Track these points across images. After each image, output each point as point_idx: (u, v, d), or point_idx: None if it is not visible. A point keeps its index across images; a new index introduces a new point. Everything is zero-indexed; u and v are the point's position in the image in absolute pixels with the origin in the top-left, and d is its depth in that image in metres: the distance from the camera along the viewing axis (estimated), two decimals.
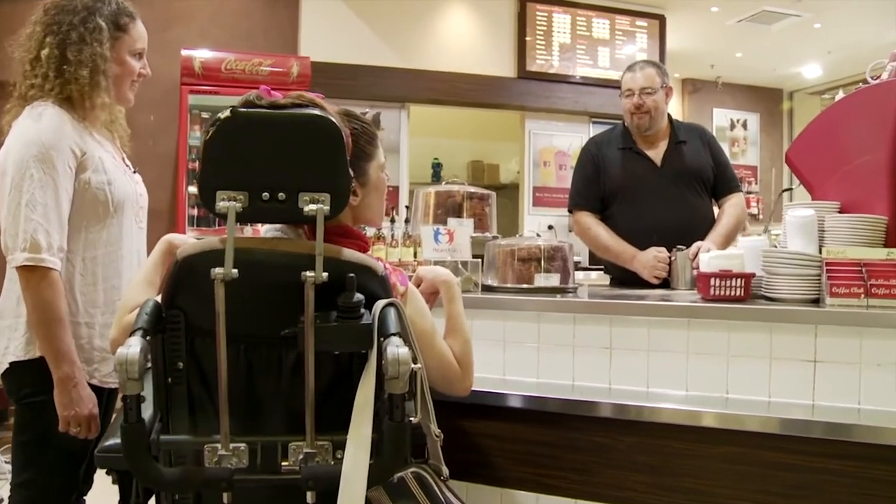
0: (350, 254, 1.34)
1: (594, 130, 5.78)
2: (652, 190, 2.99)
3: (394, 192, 5.57)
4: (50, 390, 1.83)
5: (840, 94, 2.46)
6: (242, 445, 1.30)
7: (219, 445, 1.29)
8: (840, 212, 2.26)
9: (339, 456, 1.28)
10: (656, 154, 3.05)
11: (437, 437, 1.48)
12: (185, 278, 1.32)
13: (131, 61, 2.04)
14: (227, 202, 1.25)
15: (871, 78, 2.36)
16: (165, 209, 5.16)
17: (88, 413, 1.86)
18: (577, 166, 3.21)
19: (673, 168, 3.02)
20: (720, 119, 8.57)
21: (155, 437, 1.33)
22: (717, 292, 2.12)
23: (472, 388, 1.69)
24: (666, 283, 2.84)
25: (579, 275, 5.17)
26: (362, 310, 1.26)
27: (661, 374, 2.02)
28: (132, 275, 1.95)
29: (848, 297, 1.97)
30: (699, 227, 2.96)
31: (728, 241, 2.94)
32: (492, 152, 7.74)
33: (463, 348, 1.62)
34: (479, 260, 2.50)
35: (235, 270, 1.22)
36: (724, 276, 2.11)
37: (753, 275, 2.15)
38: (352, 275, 1.24)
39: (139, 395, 1.18)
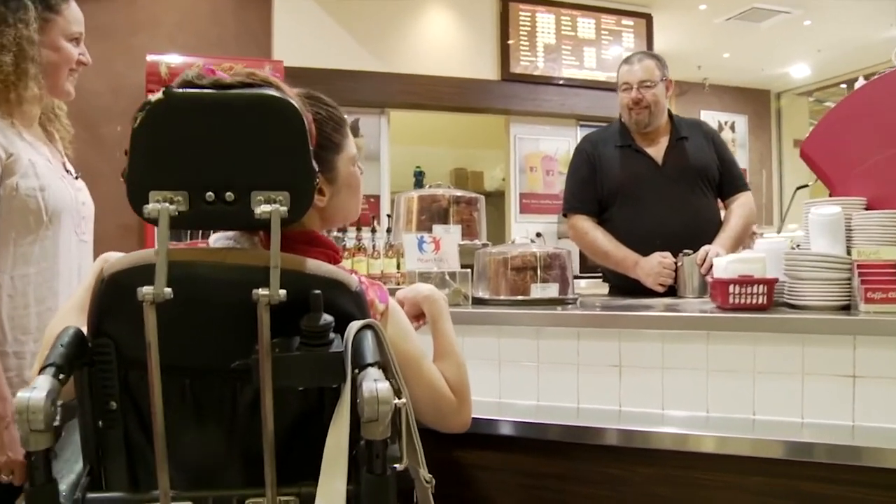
0: (316, 266, 1.10)
1: (581, 133, 5.57)
2: (653, 190, 2.78)
3: (375, 202, 5.33)
4: None
5: (860, 82, 2.25)
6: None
7: None
8: (866, 209, 2.05)
9: None
10: (657, 152, 2.83)
11: (427, 482, 1.23)
12: (113, 300, 1.07)
13: (68, 47, 1.78)
14: (160, 205, 1.00)
15: None
16: (135, 224, 4.88)
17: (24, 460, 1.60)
18: (572, 167, 2.99)
19: (675, 166, 2.80)
20: (708, 121, 8.36)
21: (79, 496, 1.08)
22: (737, 300, 1.90)
23: None
24: (671, 291, 2.62)
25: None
26: (332, 334, 1.02)
27: (678, 394, 1.80)
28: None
29: (885, 304, 1.76)
30: (705, 230, 2.75)
31: (737, 243, 2.73)
32: (475, 159, 7.53)
33: (457, 374, 1.38)
34: (469, 270, 2.27)
35: (169, 289, 0.97)
36: (745, 282, 1.89)
37: (777, 280, 1.93)
38: (317, 291, 1.00)
39: (48, 450, 0.93)
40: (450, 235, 2.32)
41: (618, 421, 1.80)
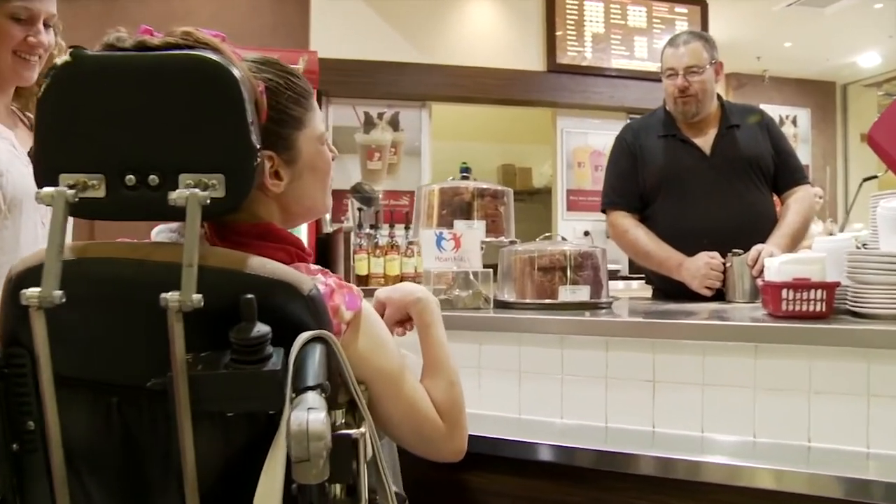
0: (260, 264, 0.91)
1: None
2: (701, 184, 2.53)
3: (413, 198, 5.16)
4: None
5: None
6: None
7: None
8: None
9: None
10: (705, 142, 2.58)
11: None
12: (21, 304, 0.90)
13: (7, 26, 1.64)
14: (55, 189, 0.83)
15: None
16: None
17: None
18: (611, 159, 2.76)
19: (725, 157, 2.54)
20: None
21: None
22: (792, 307, 1.66)
23: (475, 433, 1.27)
24: (719, 295, 2.37)
25: (618, 285, 4.74)
26: (270, 348, 0.83)
27: (721, 416, 1.57)
28: None
29: None
30: (758, 227, 2.49)
31: (795, 242, 2.46)
32: (523, 155, 7.32)
33: (448, 393, 1.17)
34: (491, 270, 2.07)
35: (60, 292, 0.80)
36: (801, 286, 1.65)
37: (838, 284, 1.68)
38: (249, 296, 0.81)
39: None
40: (472, 232, 2.12)
41: (651, 444, 1.58)
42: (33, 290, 0.79)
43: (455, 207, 2.21)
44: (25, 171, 1.61)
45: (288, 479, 0.81)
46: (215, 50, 0.90)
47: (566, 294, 1.99)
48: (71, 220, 0.95)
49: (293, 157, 1.07)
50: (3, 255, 1.57)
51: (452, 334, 1.43)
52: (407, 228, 4.55)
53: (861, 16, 6.16)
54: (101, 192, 0.85)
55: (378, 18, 5.20)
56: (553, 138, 5.79)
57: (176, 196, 0.82)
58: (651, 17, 5.73)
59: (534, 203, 6.94)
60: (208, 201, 0.82)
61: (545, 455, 1.59)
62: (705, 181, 2.52)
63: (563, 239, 2.21)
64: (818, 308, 1.64)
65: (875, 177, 3.04)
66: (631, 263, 5.04)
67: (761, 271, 2.23)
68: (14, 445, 0.95)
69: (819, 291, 1.64)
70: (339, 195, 5.16)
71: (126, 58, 0.87)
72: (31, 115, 1.74)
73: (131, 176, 0.86)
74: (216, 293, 0.85)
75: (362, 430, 0.87)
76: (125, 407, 0.93)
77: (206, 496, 0.87)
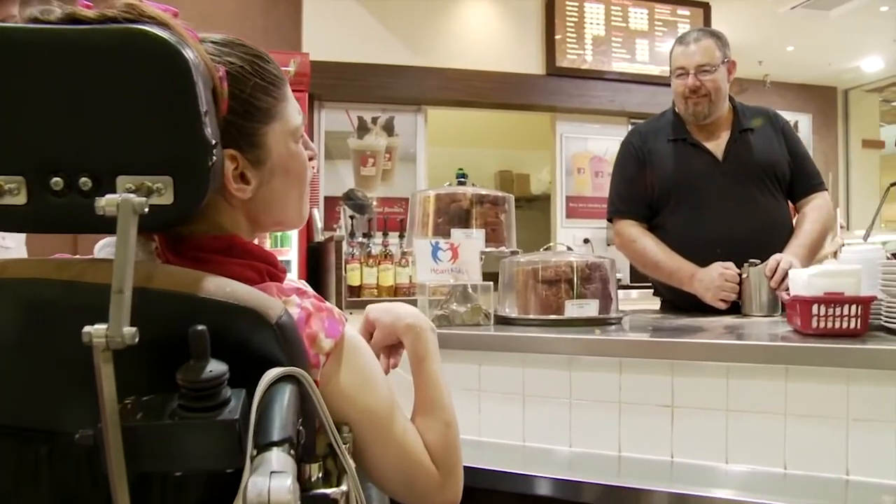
0: (217, 286, 0.75)
1: None
2: (713, 190, 2.37)
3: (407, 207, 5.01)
4: None
5: None
6: None
7: None
8: None
9: None
10: (717, 146, 2.43)
11: None
12: None
13: None
14: None
15: None
16: None
17: None
18: (617, 164, 2.59)
19: (739, 162, 2.39)
20: None
21: None
22: (824, 324, 1.51)
23: (471, 465, 1.11)
24: (734, 308, 2.22)
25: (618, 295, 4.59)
26: (227, 391, 0.67)
27: (747, 445, 1.43)
28: None
29: None
30: (774, 236, 2.34)
31: (813, 252, 2.31)
32: (522, 161, 7.17)
33: (443, 436, 0.99)
34: (492, 283, 1.92)
35: None
36: (834, 300, 1.50)
37: (874, 298, 1.53)
38: (200, 328, 0.66)
39: None
40: (470, 241, 1.97)
41: (669, 476, 1.44)
42: None
43: (452, 215, 2.05)
44: None
45: None
46: (163, 26, 0.74)
47: (573, 309, 1.84)
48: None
49: (261, 156, 0.89)
50: None
51: (449, 354, 1.28)
52: (401, 237, 4.39)
53: (866, 19, 6.02)
54: (20, 199, 0.70)
55: (372, 20, 5.05)
56: (552, 143, 5.64)
57: (104, 203, 0.66)
58: (653, 20, 5.59)
59: (531, 210, 6.79)
60: (147, 209, 0.66)
61: (546, 490, 1.44)
62: (718, 188, 2.37)
63: (569, 249, 2.05)
64: (853, 325, 1.50)
65: None
66: (632, 272, 4.89)
67: (780, 282, 2.09)
68: None
69: (854, 307, 1.49)
70: (331, 202, 5.04)
71: (50, 32, 0.71)
72: None
73: (57, 179, 0.70)
74: (163, 322, 0.70)
75: (343, 487, 0.71)
76: (57, 460, 0.77)
77: None
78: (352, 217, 4.31)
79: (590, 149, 5.62)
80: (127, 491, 0.64)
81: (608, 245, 5.38)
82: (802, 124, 8.07)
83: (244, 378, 0.71)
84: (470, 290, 1.91)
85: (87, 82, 0.70)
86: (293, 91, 0.96)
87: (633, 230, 2.45)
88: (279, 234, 4.06)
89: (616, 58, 5.50)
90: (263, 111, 0.88)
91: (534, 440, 1.61)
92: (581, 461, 1.53)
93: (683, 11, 5.67)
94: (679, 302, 2.39)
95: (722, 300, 2.21)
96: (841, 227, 4.05)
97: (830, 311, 1.50)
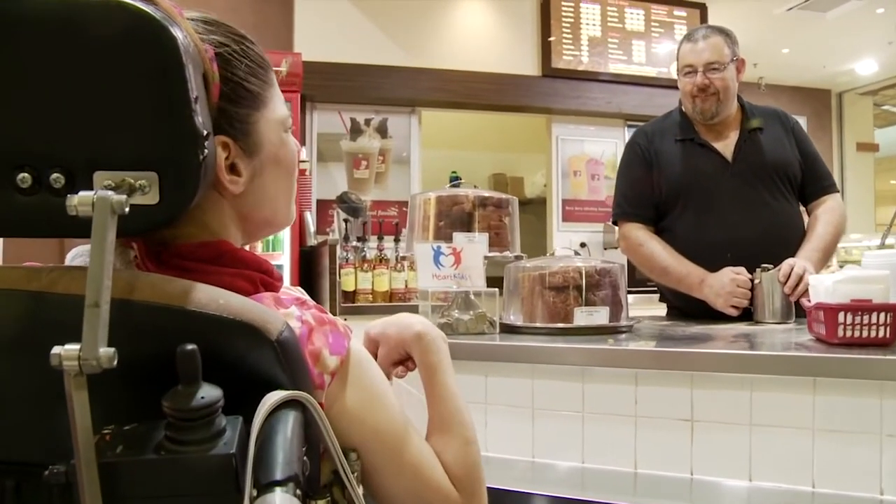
0: (210, 298, 0.66)
1: (629, 134, 5.05)
2: (722, 193, 2.29)
3: (405, 209, 4.90)
4: None
5: None
6: None
7: None
8: None
9: None
10: (726, 147, 2.35)
11: None
12: None
13: None
14: None
15: None
16: None
17: None
18: (623, 165, 2.51)
19: (749, 163, 2.31)
20: None
21: None
22: (851, 333, 1.44)
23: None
24: (746, 315, 2.14)
25: None
26: (222, 420, 0.58)
27: (772, 462, 1.35)
28: None
29: None
30: (786, 240, 2.26)
31: (826, 257, 2.24)
32: (516, 164, 7.08)
33: (463, 456, 0.89)
34: (497, 289, 1.83)
35: None
36: (862, 308, 1.42)
37: None
38: (190, 347, 0.57)
39: None
40: (473, 245, 1.88)
41: (689, 494, 1.36)
42: None
43: (454, 218, 1.96)
44: None
45: None
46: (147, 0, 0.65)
47: (582, 317, 1.76)
48: None
49: (253, 145, 0.80)
50: None
51: (453, 364, 1.19)
52: (396, 241, 4.30)
53: (862, 21, 5.98)
54: None
55: (365, 19, 4.95)
56: (548, 146, 5.56)
57: (77, 202, 0.56)
58: (649, 21, 5.52)
59: (526, 214, 6.67)
60: (127, 209, 0.57)
61: None
62: (727, 190, 2.29)
63: (576, 253, 1.97)
64: (882, 334, 1.42)
65: None
66: (631, 274, 4.80)
67: (794, 288, 2.02)
68: None
69: (883, 315, 1.42)
70: (323, 205, 4.94)
71: (12, 4, 0.61)
72: None
73: (24, 174, 0.61)
74: (147, 340, 0.61)
75: None
76: (27, 494, 0.67)
77: None
78: (346, 220, 4.22)
79: (586, 151, 5.54)
80: None
81: (605, 249, 5.29)
82: None
83: (240, 403, 0.62)
84: (472, 297, 1.83)
85: (59, 64, 0.60)
86: (283, 92, 0.88)
87: (639, 233, 2.37)
88: (270, 237, 3.97)
89: (612, 59, 5.43)
90: (254, 96, 0.79)
91: (544, 456, 1.52)
92: (594, 479, 1.44)
93: (680, 12, 5.60)
94: (687, 308, 2.31)
95: (733, 307, 2.13)
96: None
97: (858, 319, 1.43)
